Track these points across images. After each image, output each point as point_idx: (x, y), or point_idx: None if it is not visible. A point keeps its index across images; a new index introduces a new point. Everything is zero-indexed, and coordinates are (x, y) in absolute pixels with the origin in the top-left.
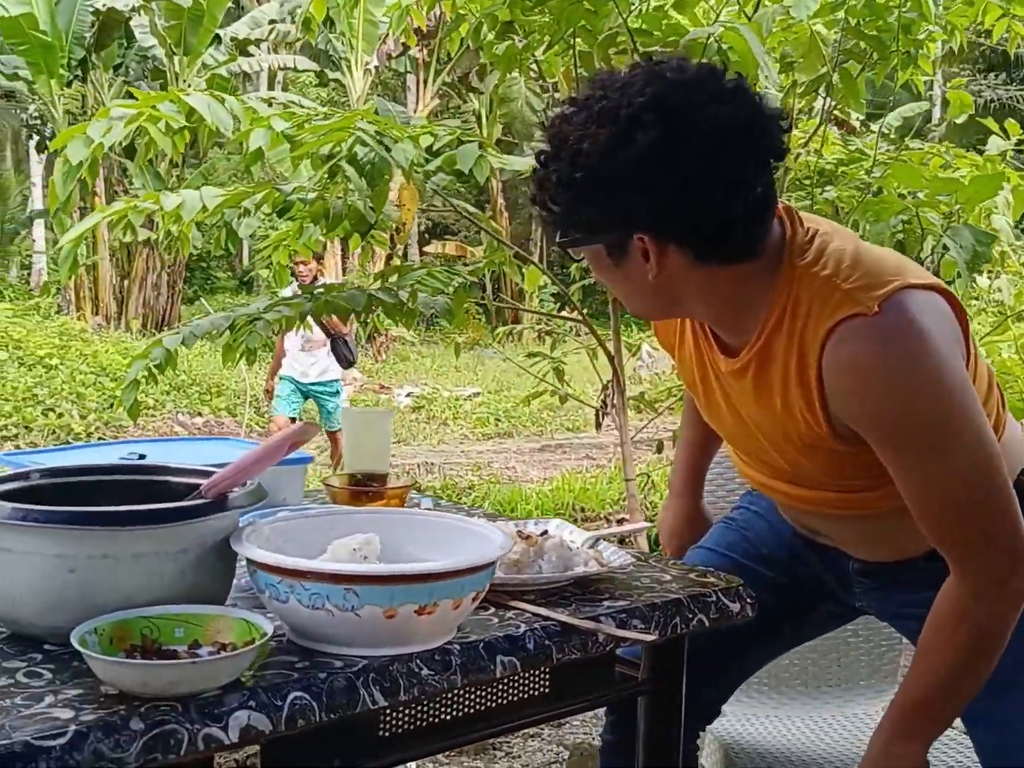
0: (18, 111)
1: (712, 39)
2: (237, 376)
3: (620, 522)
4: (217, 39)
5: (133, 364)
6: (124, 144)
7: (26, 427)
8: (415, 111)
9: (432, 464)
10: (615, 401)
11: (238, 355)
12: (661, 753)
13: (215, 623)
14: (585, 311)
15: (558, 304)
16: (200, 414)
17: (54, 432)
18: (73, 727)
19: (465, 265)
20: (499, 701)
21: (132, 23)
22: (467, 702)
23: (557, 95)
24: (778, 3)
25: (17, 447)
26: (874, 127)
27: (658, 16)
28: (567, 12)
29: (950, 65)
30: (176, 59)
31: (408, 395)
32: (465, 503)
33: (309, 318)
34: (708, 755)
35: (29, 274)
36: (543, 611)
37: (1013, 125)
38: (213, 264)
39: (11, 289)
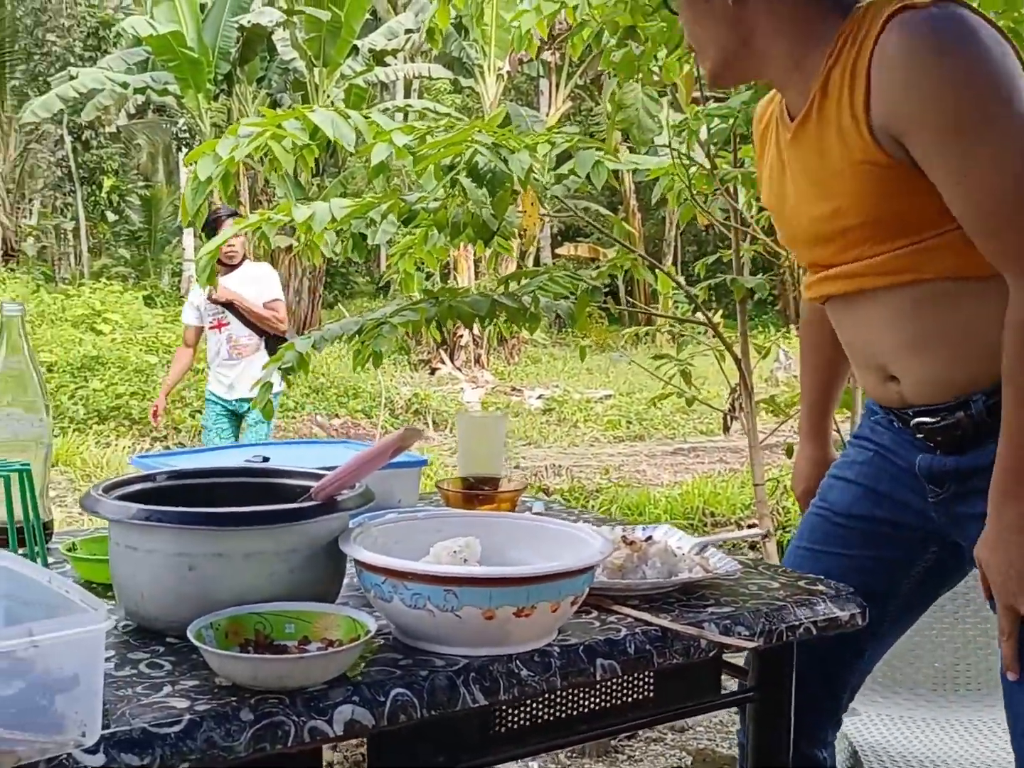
0: (168, 125)
1: None
2: (373, 379)
3: (751, 527)
4: (355, 50)
5: (267, 367)
6: (257, 159)
7: (175, 428)
8: (547, 114)
9: (560, 467)
10: (743, 404)
11: (366, 358)
12: (769, 760)
13: (323, 620)
14: (720, 313)
15: (692, 306)
16: (337, 415)
17: (200, 433)
18: (187, 716)
19: (597, 267)
20: (602, 704)
21: (274, 37)
22: (569, 704)
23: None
24: None
25: (167, 447)
26: None
27: None
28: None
29: None
30: (316, 71)
31: (539, 397)
32: (592, 506)
33: (232, 317)
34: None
35: (179, 281)
36: (645, 616)
37: None
38: (352, 270)
39: (163, 296)
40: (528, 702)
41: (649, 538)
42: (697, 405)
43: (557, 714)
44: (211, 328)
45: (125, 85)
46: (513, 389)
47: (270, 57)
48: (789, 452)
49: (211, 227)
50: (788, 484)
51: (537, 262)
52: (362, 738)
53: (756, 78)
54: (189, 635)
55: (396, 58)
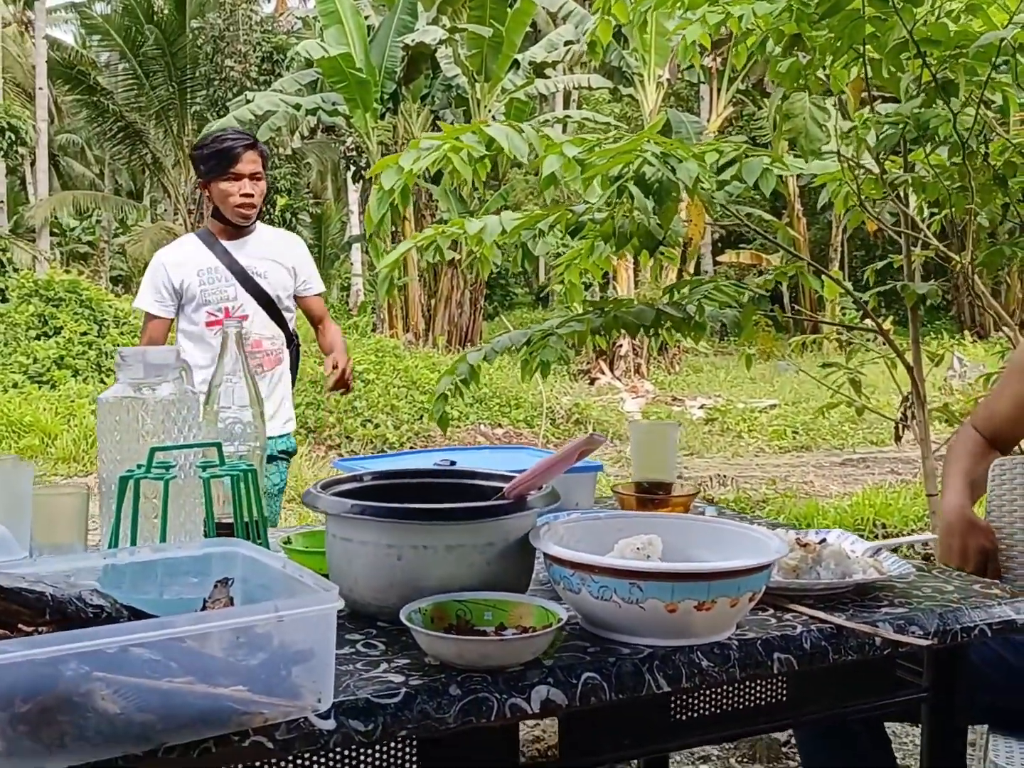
0: (337, 144)
1: (1007, 42)
2: (534, 389)
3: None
4: (516, 64)
5: (442, 379)
6: (432, 173)
7: (347, 437)
8: (708, 120)
9: (725, 476)
10: (916, 413)
11: (534, 369)
12: (943, 760)
13: (518, 609)
14: (890, 318)
15: (860, 312)
16: (500, 425)
17: (371, 441)
18: (404, 689)
19: (760, 274)
20: (777, 697)
21: (437, 55)
22: (745, 696)
23: (843, 109)
24: None
25: (340, 455)
26: None
27: (943, 25)
28: (850, 28)
29: None
30: (477, 86)
31: (701, 407)
32: (759, 516)
33: (254, 305)
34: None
35: (348, 295)
36: (820, 614)
37: None
38: (511, 282)
39: (332, 309)
40: (708, 692)
41: (823, 541)
42: (867, 415)
43: (736, 705)
44: (210, 324)
45: (298, 107)
46: (674, 399)
47: (433, 75)
48: None
49: (220, 157)
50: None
51: (698, 270)
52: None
53: None
54: (401, 617)
55: (556, 70)
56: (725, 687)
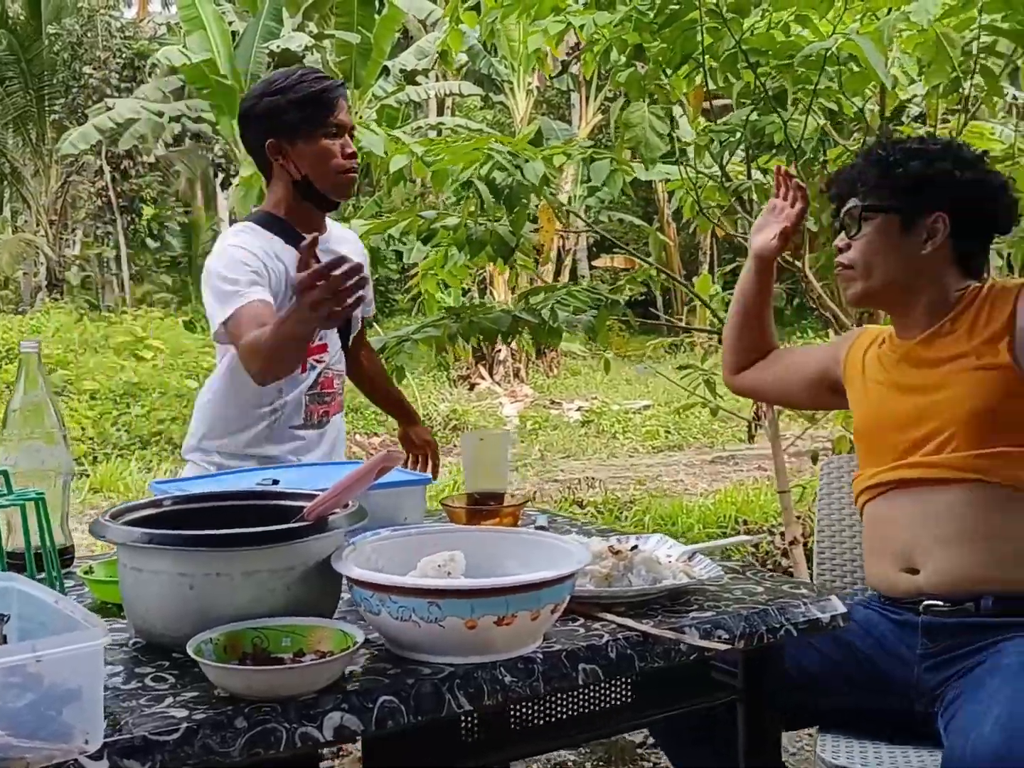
0: (205, 152)
1: (831, 52)
2: (410, 397)
3: (782, 535)
4: (386, 71)
5: None
6: None
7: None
8: (579, 127)
9: (594, 479)
10: (766, 412)
11: (391, 374)
12: (761, 758)
13: (317, 633)
14: None
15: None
16: (376, 434)
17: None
18: (185, 724)
19: (616, 281)
20: (590, 708)
21: (305, 61)
22: (559, 709)
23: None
24: (899, 9)
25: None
26: None
27: (771, 36)
28: (682, 39)
29: None
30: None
31: (578, 409)
32: (626, 517)
33: (334, 336)
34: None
35: None
36: (629, 622)
37: None
38: (391, 287)
39: (204, 320)
40: (520, 707)
41: (635, 547)
42: (716, 415)
43: (548, 719)
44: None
45: (160, 114)
46: (552, 402)
47: None
48: (815, 458)
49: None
50: (816, 490)
51: (574, 275)
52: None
53: (887, 307)
54: (188, 650)
55: (428, 77)
56: (568, 693)
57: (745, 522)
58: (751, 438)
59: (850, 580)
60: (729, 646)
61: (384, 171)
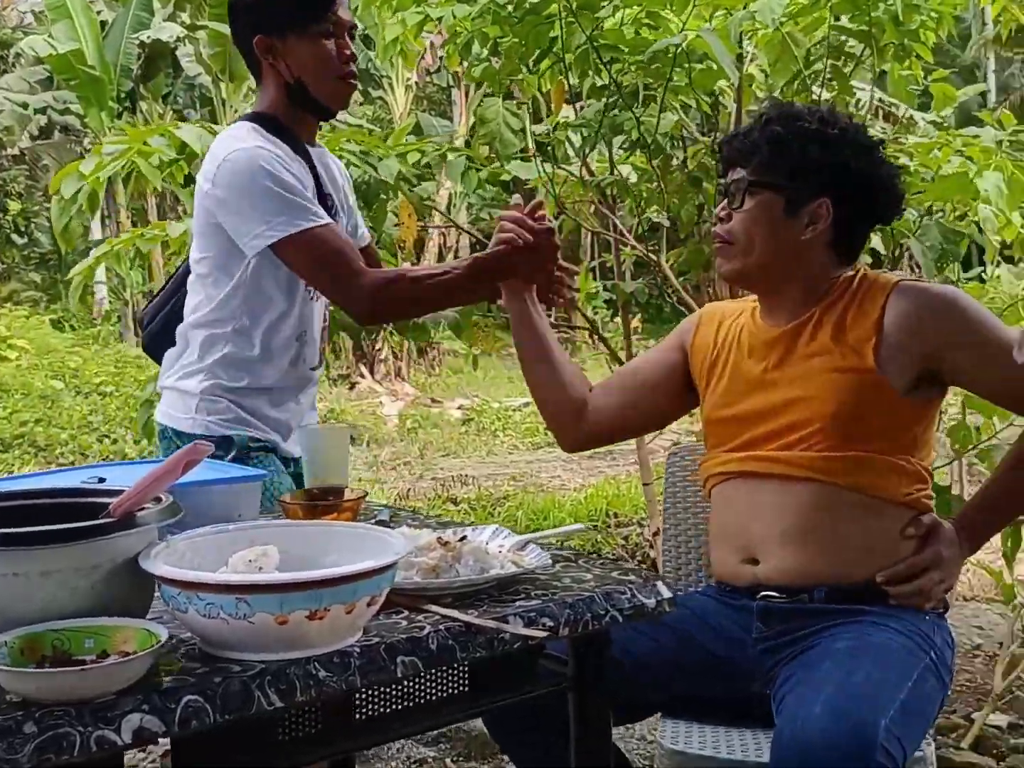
0: (74, 145)
1: (680, 48)
2: None
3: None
4: None
5: (147, 384)
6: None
7: (82, 454)
8: (460, 123)
9: (471, 476)
10: None
11: None
12: (591, 746)
13: (121, 633)
14: (638, 317)
15: (611, 311)
16: None
17: (109, 457)
18: None
19: None
20: (416, 700)
21: (178, 53)
22: (385, 701)
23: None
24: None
25: None
26: (925, 117)
27: (620, 32)
28: (534, 33)
29: (1004, 49)
30: (222, 85)
31: (459, 408)
32: (499, 513)
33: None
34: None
35: (92, 302)
36: (452, 613)
37: (1007, 116)
38: None
39: (74, 318)
40: (386, 690)
41: (464, 538)
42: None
43: (379, 711)
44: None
45: (25, 105)
46: (433, 400)
47: (175, 73)
48: None
49: None
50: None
51: None
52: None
53: (760, 289)
54: None
55: None
56: (407, 682)
57: (616, 515)
58: None
59: (695, 567)
60: (547, 633)
61: None
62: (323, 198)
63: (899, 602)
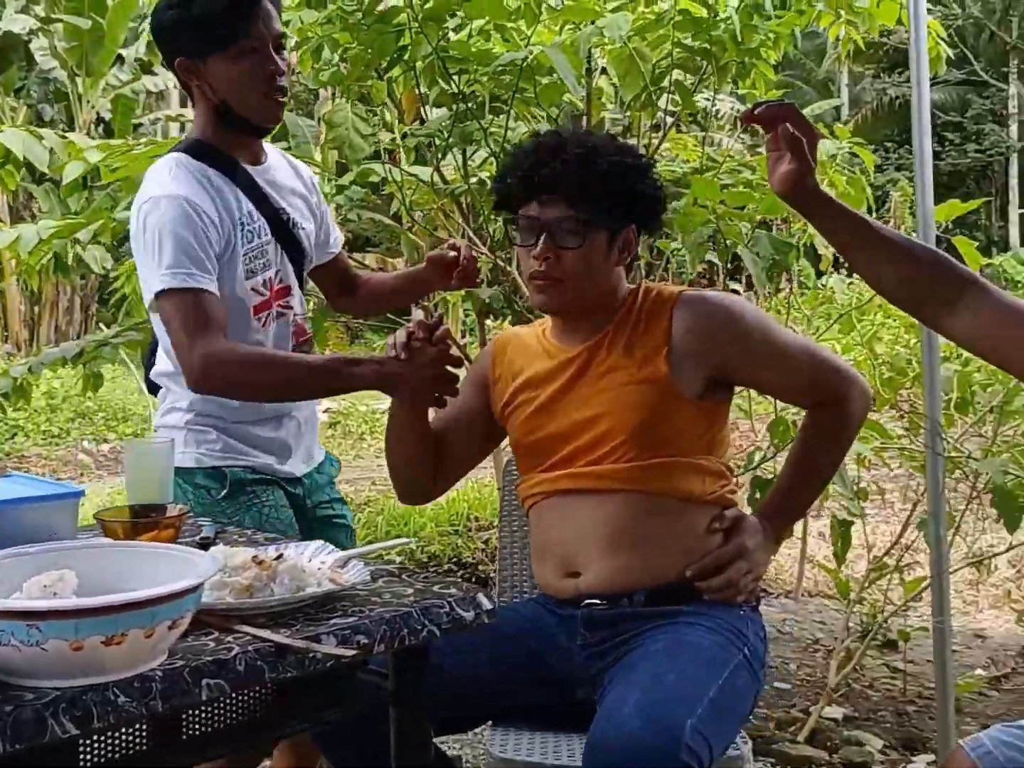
0: None
1: (526, 62)
2: (119, 402)
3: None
4: (120, 59)
5: None
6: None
7: None
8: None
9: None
10: None
11: (88, 382)
12: (410, 758)
13: None
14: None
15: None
16: (107, 440)
17: None
18: None
19: None
20: (225, 722)
21: (32, 46)
22: (200, 722)
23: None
24: (594, 23)
25: None
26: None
27: (465, 44)
28: (379, 41)
29: (856, 64)
30: (79, 80)
31: (325, 411)
32: (359, 518)
33: (284, 259)
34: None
35: None
36: (262, 633)
37: (843, 130)
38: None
39: None
40: (126, 728)
41: (280, 557)
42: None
43: (191, 732)
44: (257, 309)
45: None
46: None
47: (28, 67)
48: None
49: (227, 16)
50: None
51: None
52: None
53: (574, 317)
54: None
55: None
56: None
57: (477, 519)
58: None
59: (529, 573)
60: (357, 651)
61: (57, 175)
62: (274, 212)
63: (710, 596)
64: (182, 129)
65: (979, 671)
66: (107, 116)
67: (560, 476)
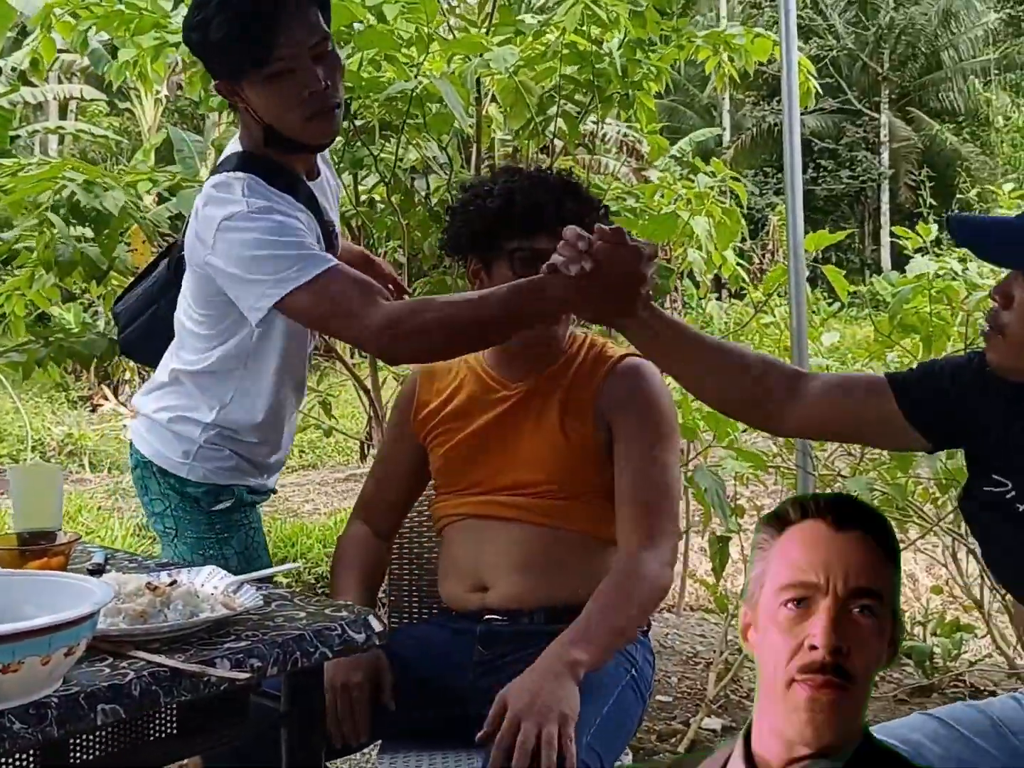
0: None
1: (415, 92)
2: (21, 420)
3: None
4: None
5: None
6: None
7: None
8: (213, 139)
9: None
10: (374, 433)
11: None
12: None
13: None
14: None
15: None
16: None
17: None
18: None
19: None
20: (119, 746)
21: None
22: (90, 747)
23: None
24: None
25: None
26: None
27: (355, 73)
28: None
29: (737, 91)
30: None
31: None
32: None
33: None
34: None
35: None
36: (158, 658)
37: (718, 164)
38: None
39: None
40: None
41: (174, 583)
42: (330, 436)
43: (96, 753)
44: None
45: None
46: None
47: None
48: None
49: (261, 33)
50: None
51: None
52: None
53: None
54: None
55: (47, 79)
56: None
57: None
58: (363, 458)
59: (420, 595)
60: (251, 675)
61: None
62: (324, 226)
63: None
64: (61, 141)
65: None
66: None
67: (482, 502)
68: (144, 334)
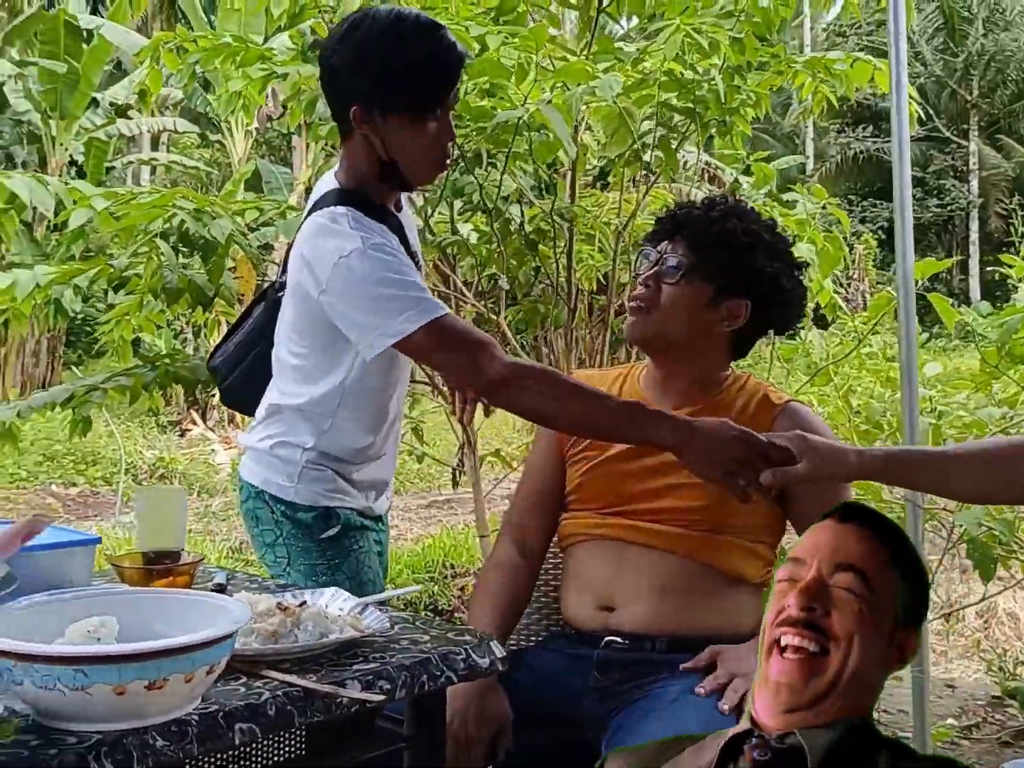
0: None
1: (522, 120)
2: (112, 444)
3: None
4: (95, 103)
5: None
6: None
7: None
8: (300, 170)
9: None
10: (468, 459)
11: (76, 426)
12: None
13: None
14: None
15: None
16: (75, 484)
17: None
18: None
19: None
20: (255, 763)
21: (5, 88)
22: (225, 762)
23: None
24: (586, 83)
25: None
26: (749, 181)
27: (467, 101)
28: None
29: (821, 119)
30: (52, 123)
31: None
32: None
33: None
34: None
35: None
36: (290, 678)
37: (819, 190)
38: (98, 329)
39: None
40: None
41: (303, 603)
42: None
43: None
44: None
45: None
46: None
47: (1, 109)
48: None
49: (441, 78)
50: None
51: None
52: None
53: (661, 361)
54: None
55: (141, 112)
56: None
57: (452, 566)
58: (455, 484)
59: (538, 617)
60: (384, 696)
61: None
62: (412, 257)
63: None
64: (153, 172)
65: (950, 720)
66: (79, 159)
67: (618, 525)
68: (246, 379)
